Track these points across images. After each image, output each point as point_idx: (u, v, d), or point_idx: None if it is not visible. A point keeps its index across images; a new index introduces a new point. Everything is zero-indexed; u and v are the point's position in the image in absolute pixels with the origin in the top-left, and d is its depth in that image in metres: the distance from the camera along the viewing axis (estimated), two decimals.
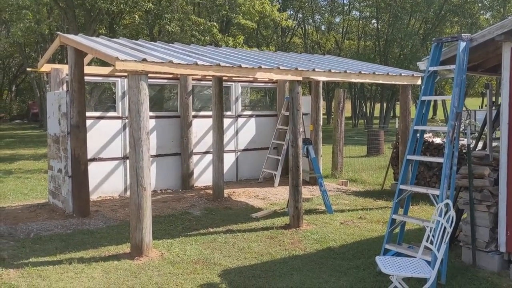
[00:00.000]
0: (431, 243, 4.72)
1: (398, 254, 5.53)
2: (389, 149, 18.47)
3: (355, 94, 39.22)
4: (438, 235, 4.58)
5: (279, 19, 22.61)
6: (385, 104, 35.12)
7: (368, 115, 37.27)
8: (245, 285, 5.26)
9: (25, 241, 6.84)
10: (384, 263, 4.51)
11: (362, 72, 8.30)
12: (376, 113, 38.67)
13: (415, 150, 5.88)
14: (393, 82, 8.94)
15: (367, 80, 8.54)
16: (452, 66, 5.63)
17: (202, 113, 11.23)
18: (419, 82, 9.21)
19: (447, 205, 4.66)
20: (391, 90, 33.60)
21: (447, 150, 5.28)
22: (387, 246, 5.68)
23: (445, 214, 4.63)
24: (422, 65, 6.20)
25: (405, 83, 9.06)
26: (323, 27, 41.66)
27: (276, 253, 6.35)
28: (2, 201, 9.59)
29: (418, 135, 5.93)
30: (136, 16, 17.49)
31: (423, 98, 5.82)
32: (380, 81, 8.70)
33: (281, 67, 7.29)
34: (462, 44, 5.55)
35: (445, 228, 4.50)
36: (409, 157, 5.79)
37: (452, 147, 5.33)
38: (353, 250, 6.48)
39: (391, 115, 38.48)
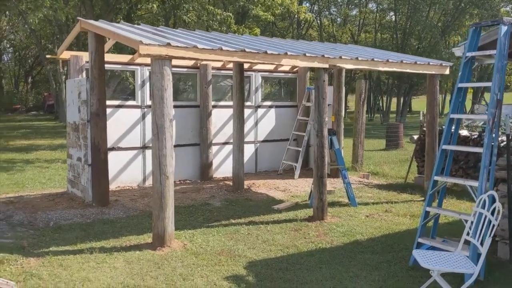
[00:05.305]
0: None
1: (432, 248, 5.28)
2: (407, 143, 18.15)
3: (371, 87, 38.72)
4: (480, 229, 4.32)
5: (297, 12, 22.36)
6: (402, 98, 34.63)
7: (384, 109, 36.79)
8: (273, 278, 5.06)
9: (44, 230, 6.72)
10: (423, 258, 4.27)
11: (390, 60, 8.01)
12: (392, 107, 38.18)
13: (451, 140, 5.61)
14: (420, 71, 8.64)
15: (394, 69, 8.25)
16: (492, 51, 5.34)
17: (221, 103, 11.02)
18: (447, 71, 8.90)
19: (490, 197, 4.40)
20: (408, 84, 33.09)
21: (487, 139, 5.01)
22: (420, 240, 5.44)
23: (488, 207, 4.36)
24: (458, 51, 5.92)
25: (433, 72, 8.75)
26: (339, 20, 41.18)
27: (302, 246, 6.14)
28: (21, 190, 9.51)
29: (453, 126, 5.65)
30: (154, 5, 17.29)
31: (460, 85, 5.54)
32: (408, 70, 8.40)
33: (307, 54, 7.04)
34: (504, 28, 5.25)
35: (489, 221, 4.24)
36: (444, 147, 5.51)
37: (492, 136, 5.05)
38: (382, 244, 6.25)
39: (408, 109, 37.96)
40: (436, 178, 5.46)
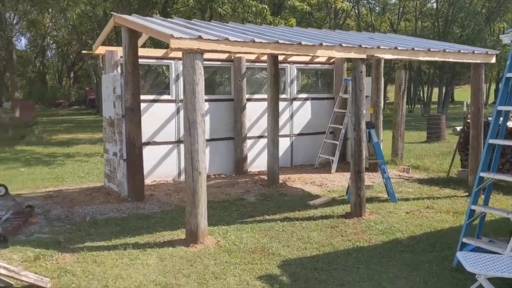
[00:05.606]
0: None
1: (478, 249, 4.96)
2: (450, 134, 17.49)
3: (411, 78, 37.63)
4: None
5: (334, 1, 21.88)
6: (443, 88, 33.46)
7: (425, 100, 35.67)
8: (307, 278, 4.88)
9: (81, 224, 6.78)
10: (468, 261, 3.99)
11: (431, 49, 7.62)
12: (434, 98, 37.00)
13: (498, 134, 5.25)
14: (464, 61, 8.19)
15: (436, 58, 7.85)
16: None
17: (256, 96, 10.86)
18: (493, 60, 8.40)
19: None
20: (450, 74, 31.91)
21: None
22: (464, 240, 5.12)
23: None
24: (505, 38, 5.54)
25: (478, 61, 8.27)
26: (377, 9, 40.15)
27: (338, 244, 5.92)
28: (60, 184, 9.70)
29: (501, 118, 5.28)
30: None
31: (509, 75, 5.15)
32: (451, 59, 7.99)
33: (343, 44, 6.78)
34: None
35: None
36: (491, 141, 5.16)
37: None
38: (423, 243, 5.96)
39: (450, 100, 36.66)
40: (482, 174, 5.13)
